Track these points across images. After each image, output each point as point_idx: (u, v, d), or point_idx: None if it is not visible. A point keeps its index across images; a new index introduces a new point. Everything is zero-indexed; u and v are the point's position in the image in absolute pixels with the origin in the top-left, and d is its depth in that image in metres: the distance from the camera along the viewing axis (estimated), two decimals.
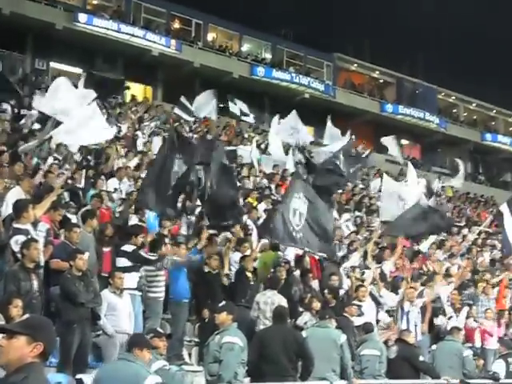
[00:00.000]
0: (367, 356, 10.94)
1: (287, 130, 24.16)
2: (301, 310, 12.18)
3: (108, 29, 37.04)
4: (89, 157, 18.08)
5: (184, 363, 10.76)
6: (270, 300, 11.25)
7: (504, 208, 17.59)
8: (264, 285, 12.37)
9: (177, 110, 27.42)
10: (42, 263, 9.90)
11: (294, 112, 24.63)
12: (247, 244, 13.27)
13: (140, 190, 13.44)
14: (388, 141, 27.90)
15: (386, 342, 11.81)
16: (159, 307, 11.31)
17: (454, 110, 55.35)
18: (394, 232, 15.93)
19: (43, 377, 3.84)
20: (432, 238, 19.19)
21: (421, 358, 11.58)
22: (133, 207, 13.77)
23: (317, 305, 11.84)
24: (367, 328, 11.49)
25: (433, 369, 11.75)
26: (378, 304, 13.51)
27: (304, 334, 9.99)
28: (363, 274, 14.27)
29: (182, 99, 26.65)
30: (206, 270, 11.99)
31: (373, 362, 10.88)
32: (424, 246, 18.41)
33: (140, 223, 12.80)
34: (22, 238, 9.57)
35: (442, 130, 50.45)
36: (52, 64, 37.33)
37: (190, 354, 11.77)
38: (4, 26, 33.20)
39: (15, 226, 9.87)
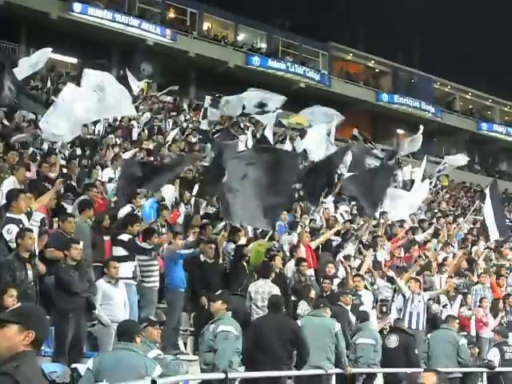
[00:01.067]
0: (362, 345, 10.96)
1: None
2: (293, 299, 12.18)
3: (103, 18, 37.04)
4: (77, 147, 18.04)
5: (179, 352, 10.77)
6: (260, 289, 11.22)
7: (487, 192, 17.66)
8: (257, 274, 12.38)
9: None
10: (37, 252, 9.91)
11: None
12: (241, 233, 13.27)
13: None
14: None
15: (381, 331, 11.85)
16: (154, 296, 11.30)
17: (450, 100, 55.32)
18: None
19: (36, 365, 3.83)
20: (429, 229, 19.25)
21: (416, 351, 11.57)
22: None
23: (313, 294, 11.85)
24: (362, 317, 11.50)
25: (418, 362, 11.69)
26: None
27: (299, 322, 10.01)
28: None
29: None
30: (202, 258, 11.98)
31: (368, 351, 10.89)
32: (420, 236, 18.42)
33: (134, 213, 12.79)
34: (13, 228, 9.59)
35: (438, 119, 50.52)
36: None
37: (185, 344, 11.77)
38: None
39: (8, 215, 9.89)
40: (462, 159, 27.46)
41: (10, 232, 9.57)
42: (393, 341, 11.47)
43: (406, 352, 11.38)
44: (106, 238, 11.55)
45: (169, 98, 29.08)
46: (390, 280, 14.21)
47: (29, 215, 10.28)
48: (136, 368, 6.52)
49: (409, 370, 11.20)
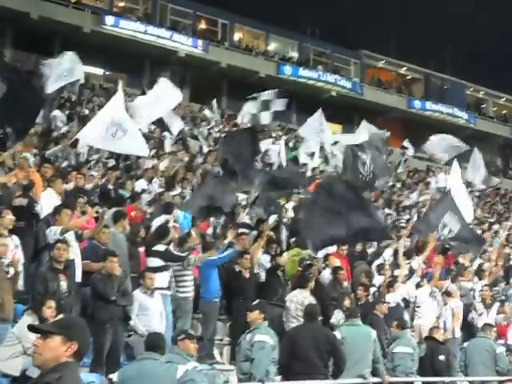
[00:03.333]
0: (400, 353, 10.84)
1: (314, 129, 23.75)
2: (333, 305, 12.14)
3: (135, 31, 37.30)
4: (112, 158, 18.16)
5: (215, 362, 10.79)
6: (295, 299, 11.22)
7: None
8: (292, 283, 12.36)
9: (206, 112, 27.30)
10: (78, 264, 10.08)
11: (319, 111, 24.00)
12: (275, 244, 13.28)
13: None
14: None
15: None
16: (189, 306, 11.33)
17: (483, 105, 54.80)
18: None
19: (77, 376, 3.88)
20: None
21: (440, 357, 11.40)
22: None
23: (347, 302, 11.80)
24: (401, 325, 11.41)
25: (443, 371, 11.54)
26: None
27: (337, 332, 9.93)
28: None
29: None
30: (237, 269, 12.00)
31: (405, 360, 10.79)
32: None
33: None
34: (55, 229, 9.79)
35: (471, 125, 50.01)
36: None
37: (221, 354, 11.78)
38: (32, 30, 33.63)
39: (52, 227, 10.04)
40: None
41: (53, 231, 9.87)
42: (421, 350, 11.38)
43: (431, 360, 11.29)
44: (141, 249, 11.65)
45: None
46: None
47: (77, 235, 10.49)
48: (159, 375, 6.55)
49: (447, 379, 11.12)
